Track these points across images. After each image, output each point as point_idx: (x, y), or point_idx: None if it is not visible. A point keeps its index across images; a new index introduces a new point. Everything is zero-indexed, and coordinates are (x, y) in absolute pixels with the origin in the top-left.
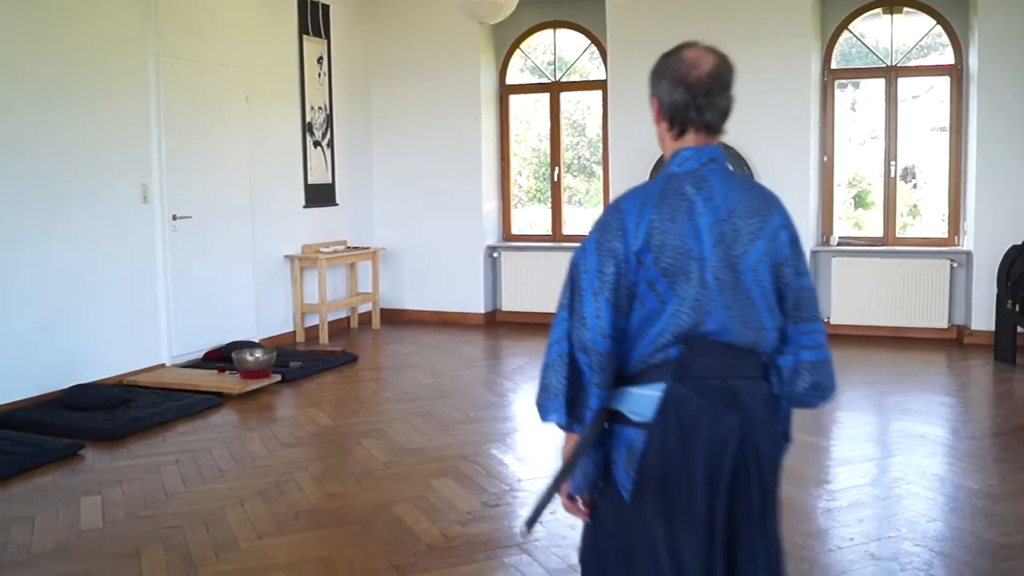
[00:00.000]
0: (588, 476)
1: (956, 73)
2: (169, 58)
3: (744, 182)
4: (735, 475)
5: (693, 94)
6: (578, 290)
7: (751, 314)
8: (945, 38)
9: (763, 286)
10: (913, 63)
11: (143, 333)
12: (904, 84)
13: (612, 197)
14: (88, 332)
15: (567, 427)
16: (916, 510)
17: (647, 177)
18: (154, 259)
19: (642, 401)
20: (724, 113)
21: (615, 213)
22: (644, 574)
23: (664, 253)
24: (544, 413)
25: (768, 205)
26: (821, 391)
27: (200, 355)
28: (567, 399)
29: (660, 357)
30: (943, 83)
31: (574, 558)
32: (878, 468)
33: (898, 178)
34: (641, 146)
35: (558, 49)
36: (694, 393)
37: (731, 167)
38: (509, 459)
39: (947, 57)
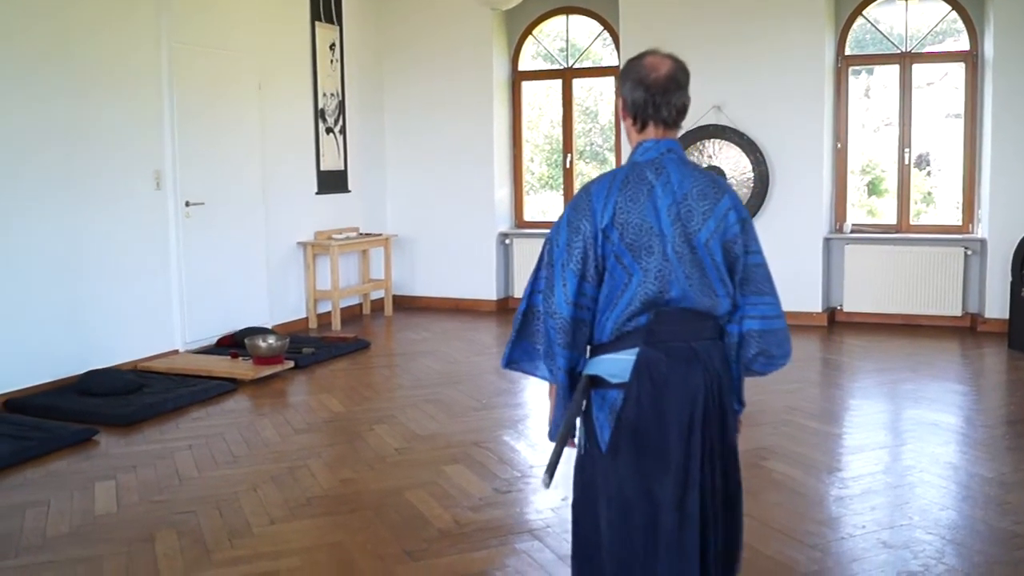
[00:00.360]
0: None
1: (971, 59)
2: (182, 45)
3: (697, 170)
4: (703, 425)
5: (652, 93)
6: (549, 262)
7: (706, 283)
8: (960, 24)
9: (715, 259)
10: (928, 49)
11: (157, 319)
12: (919, 70)
13: None
14: (102, 318)
15: (514, 368)
16: (929, 498)
17: None
18: (167, 246)
19: (619, 364)
20: (680, 110)
21: (584, 196)
22: (623, 518)
23: (628, 229)
24: (503, 359)
25: (718, 190)
26: (770, 359)
27: (213, 341)
28: (512, 344)
29: (632, 325)
30: (958, 69)
31: None
32: (891, 456)
33: (912, 165)
34: None
35: (570, 35)
36: (663, 355)
37: (687, 158)
38: (521, 445)
39: (962, 43)
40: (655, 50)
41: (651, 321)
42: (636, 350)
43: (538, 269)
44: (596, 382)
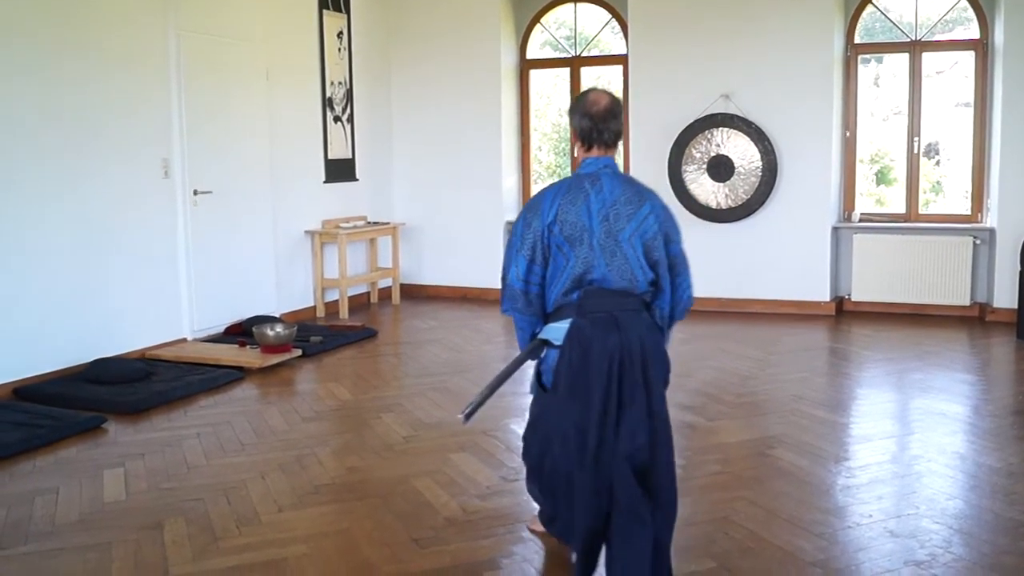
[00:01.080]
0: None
1: (981, 48)
2: (189, 33)
3: (628, 181)
4: (620, 374)
5: (595, 122)
6: (511, 248)
7: (625, 268)
8: (970, 12)
9: (636, 252)
10: (937, 38)
11: (165, 307)
12: (928, 59)
13: (632, 172)
14: (110, 306)
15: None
16: (935, 488)
17: (667, 152)
18: (175, 234)
19: (559, 331)
20: (616, 134)
21: (538, 198)
22: (560, 444)
23: (566, 226)
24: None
25: (642, 198)
26: (685, 310)
27: (221, 330)
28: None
29: (567, 299)
30: (968, 58)
31: None
32: (898, 445)
33: (921, 154)
34: (661, 121)
35: (579, 23)
36: (588, 323)
37: (622, 172)
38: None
39: (972, 31)
40: (595, 88)
41: (581, 297)
42: (569, 319)
43: (505, 253)
44: (545, 343)
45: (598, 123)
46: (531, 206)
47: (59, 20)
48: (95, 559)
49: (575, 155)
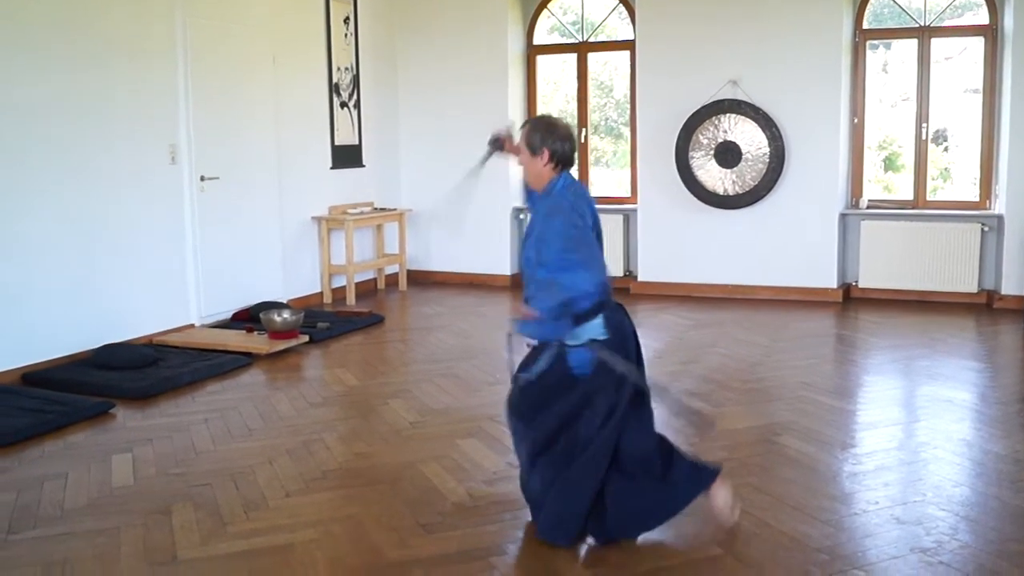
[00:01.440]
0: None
1: (991, 33)
2: (197, 19)
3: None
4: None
5: (571, 146)
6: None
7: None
8: None
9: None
10: (947, 23)
11: (172, 293)
12: (937, 45)
13: (639, 159)
14: (118, 292)
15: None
16: (942, 475)
17: (674, 138)
18: (182, 220)
19: (596, 328)
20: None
21: (570, 200)
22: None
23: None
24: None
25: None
26: None
27: (228, 316)
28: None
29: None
30: (977, 44)
31: None
32: (904, 432)
33: (929, 141)
34: (668, 107)
35: (586, 9)
36: (613, 311)
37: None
38: None
39: (981, 17)
40: (558, 118)
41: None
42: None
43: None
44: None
45: (570, 147)
46: (573, 207)
47: (67, 6)
48: (104, 543)
49: (537, 171)
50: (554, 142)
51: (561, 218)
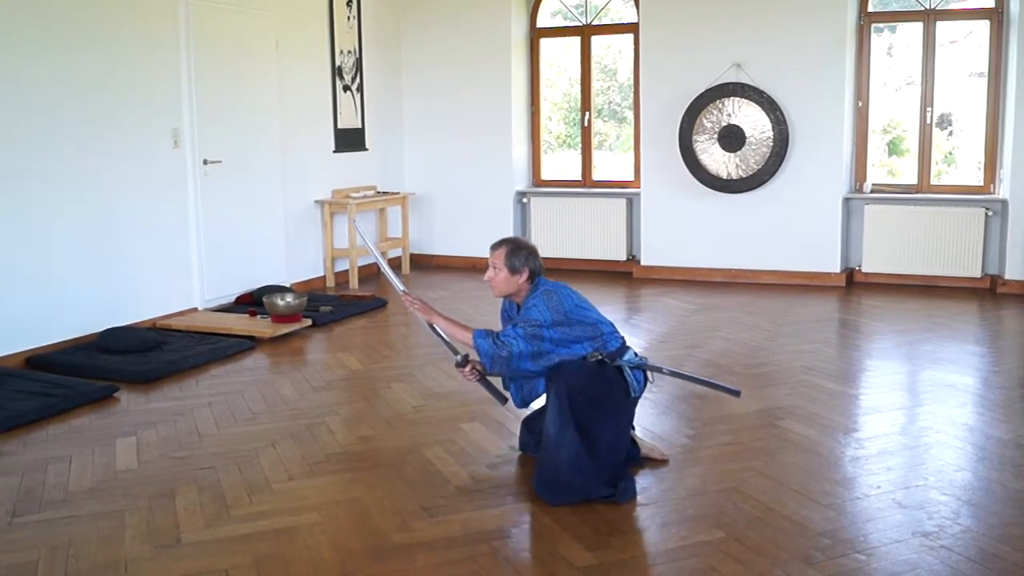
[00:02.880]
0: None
1: (996, 17)
2: (199, 2)
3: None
4: None
5: (540, 264)
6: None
7: None
8: None
9: None
10: (952, 6)
11: (176, 277)
12: (942, 28)
13: (642, 142)
14: (122, 276)
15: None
16: (944, 459)
17: (678, 121)
18: (186, 204)
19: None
20: None
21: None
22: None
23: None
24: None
25: None
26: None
27: (232, 299)
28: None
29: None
30: (982, 27)
31: (599, 505)
32: (907, 417)
33: (934, 125)
34: (672, 90)
35: None
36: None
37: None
38: (537, 403)
39: (987, 0)
40: (525, 239)
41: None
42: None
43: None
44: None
45: (541, 265)
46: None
47: None
48: (108, 526)
49: (516, 287)
50: (533, 261)
51: (542, 299)
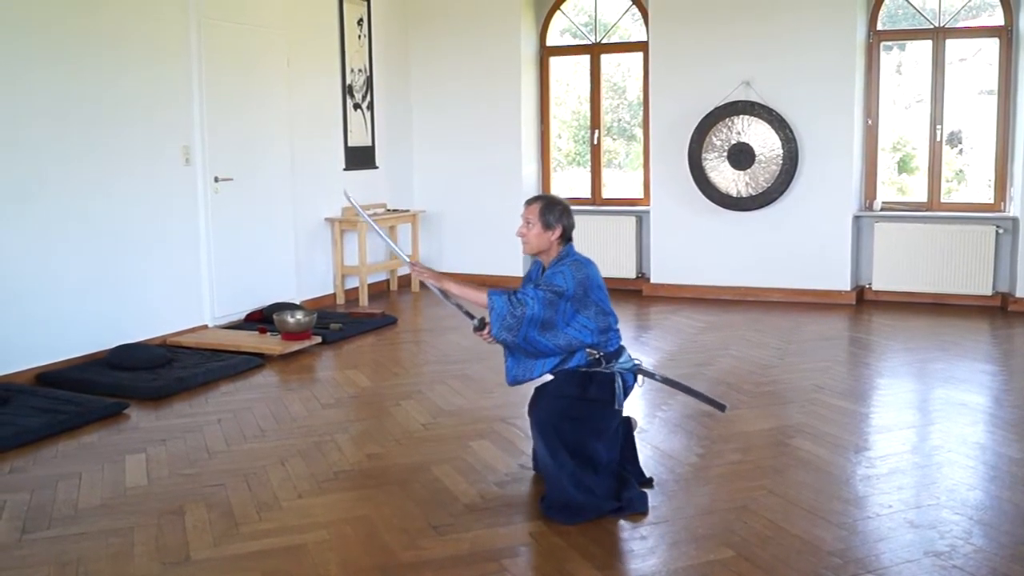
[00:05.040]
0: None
1: (1006, 35)
2: (211, 20)
3: None
4: None
5: (573, 222)
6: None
7: None
8: None
9: None
10: (961, 24)
11: (186, 294)
12: (952, 46)
13: (652, 160)
14: (132, 293)
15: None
16: (956, 478)
17: (687, 139)
18: (196, 221)
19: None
20: None
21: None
22: (604, 437)
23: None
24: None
25: None
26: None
27: (242, 316)
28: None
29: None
30: (992, 45)
31: (609, 523)
32: (918, 436)
33: (944, 142)
34: (681, 108)
35: (599, 10)
36: None
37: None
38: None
39: (996, 18)
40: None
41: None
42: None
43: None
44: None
45: (573, 224)
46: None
47: (83, 8)
48: (117, 543)
49: (547, 244)
50: (567, 219)
51: (570, 268)
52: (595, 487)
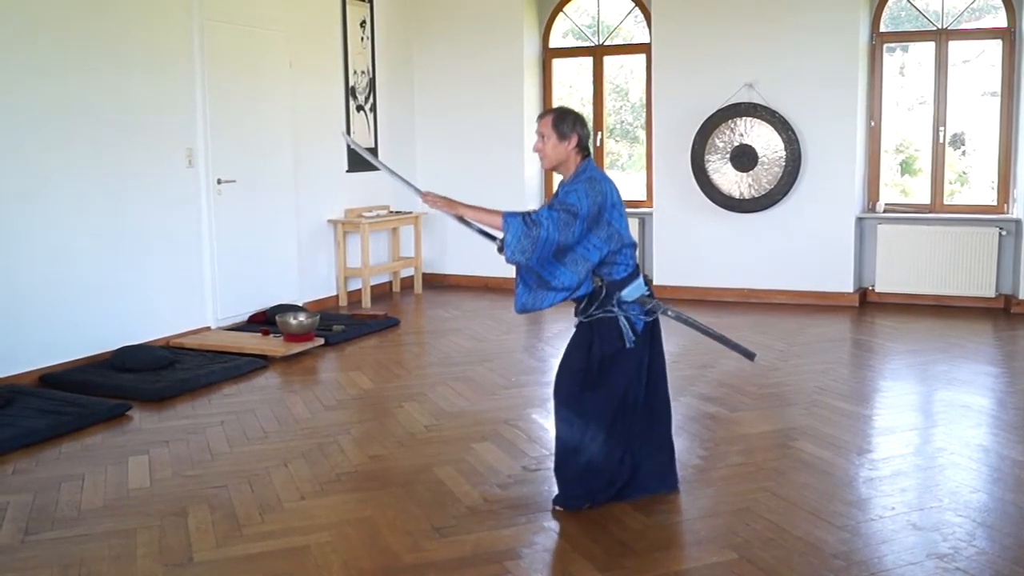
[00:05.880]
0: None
1: (1009, 36)
2: (214, 22)
3: None
4: None
5: (588, 131)
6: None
7: None
8: (998, 0)
9: None
10: (964, 26)
11: (189, 296)
12: (955, 48)
13: (655, 162)
14: (135, 295)
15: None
16: (959, 480)
17: (690, 141)
18: (199, 223)
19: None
20: None
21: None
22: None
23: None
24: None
25: None
26: None
27: (244, 318)
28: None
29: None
30: (995, 47)
31: (612, 525)
32: (921, 438)
33: (947, 144)
34: (684, 110)
35: (601, 12)
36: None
37: None
38: (550, 424)
39: (999, 20)
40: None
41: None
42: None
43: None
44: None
45: (589, 134)
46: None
47: (86, 11)
48: (120, 545)
49: (564, 155)
50: (581, 128)
51: (584, 186)
52: (614, 457)
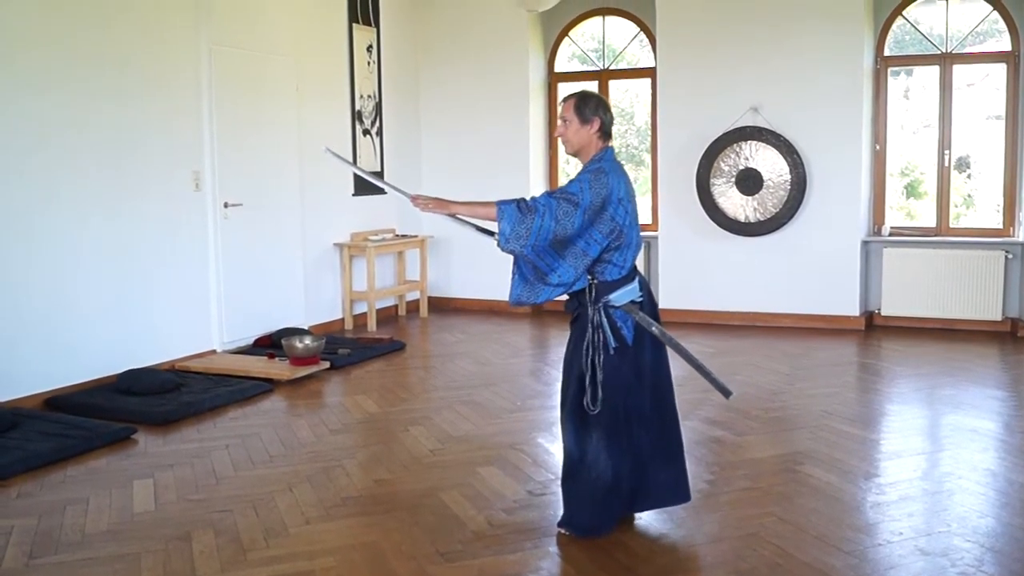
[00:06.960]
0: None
1: (1013, 60)
2: (221, 47)
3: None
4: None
5: (611, 117)
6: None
7: None
8: (1002, 24)
9: None
10: (968, 50)
11: (195, 319)
12: (959, 71)
13: (660, 185)
14: (141, 318)
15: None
16: (967, 505)
17: (695, 165)
18: (206, 246)
19: (633, 292)
20: None
21: (606, 179)
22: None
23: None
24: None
25: None
26: None
27: (250, 341)
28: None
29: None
30: (999, 70)
31: (617, 551)
32: (928, 462)
33: (952, 167)
34: (689, 134)
35: (607, 36)
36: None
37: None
38: (555, 448)
39: (1003, 43)
40: (595, 93)
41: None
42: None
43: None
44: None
45: (612, 120)
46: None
47: (94, 35)
48: (124, 569)
49: (586, 139)
50: (604, 113)
51: (589, 177)
52: (623, 470)
